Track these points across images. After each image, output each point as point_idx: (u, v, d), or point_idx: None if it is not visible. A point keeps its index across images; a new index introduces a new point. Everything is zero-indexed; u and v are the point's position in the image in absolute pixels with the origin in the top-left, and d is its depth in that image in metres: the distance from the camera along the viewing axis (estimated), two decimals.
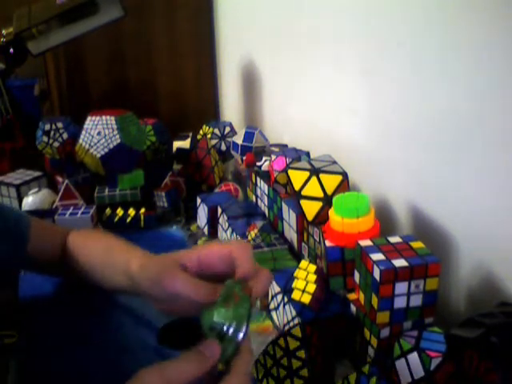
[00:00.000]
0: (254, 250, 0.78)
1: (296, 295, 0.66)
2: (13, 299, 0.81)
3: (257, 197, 0.98)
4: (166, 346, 0.66)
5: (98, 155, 1.01)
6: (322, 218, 0.74)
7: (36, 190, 1.05)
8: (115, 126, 1.01)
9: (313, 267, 0.70)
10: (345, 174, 0.76)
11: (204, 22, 1.67)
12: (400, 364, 0.54)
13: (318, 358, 0.57)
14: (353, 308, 0.63)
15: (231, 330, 0.44)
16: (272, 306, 0.72)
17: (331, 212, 0.69)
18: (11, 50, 1.20)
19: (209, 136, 1.26)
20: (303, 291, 0.66)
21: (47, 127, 1.12)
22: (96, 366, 0.65)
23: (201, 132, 1.29)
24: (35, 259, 0.74)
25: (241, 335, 0.44)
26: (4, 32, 1.20)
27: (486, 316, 0.52)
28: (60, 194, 1.02)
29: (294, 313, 0.65)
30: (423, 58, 0.74)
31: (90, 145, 1.01)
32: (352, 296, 0.65)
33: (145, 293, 0.56)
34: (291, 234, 0.82)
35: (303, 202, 0.75)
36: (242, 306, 0.45)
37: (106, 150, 1.01)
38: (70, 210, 0.97)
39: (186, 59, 1.67)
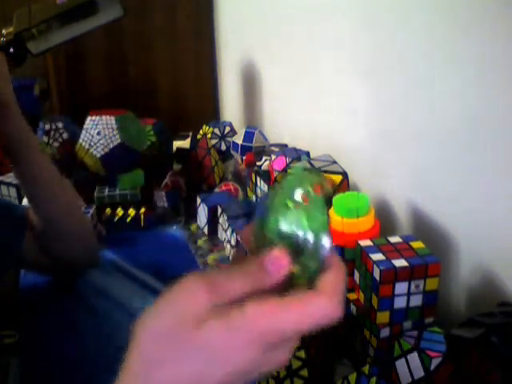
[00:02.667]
0: None
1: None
2: (13, 290, 0.81)
3: (257, 197, 0.98)
4: None
5: (98, 155, 1.01)
6: None
7: None
8: (115, 126, 1.01)
9: None
10: (345, 174, 0.76)
11: (204, 21, 1.67)
12: (400, 364, 0.54)
13: (318, 358, 0.57)
14: (353, 308, 0.63)
15: (311, 241, 0.33)
16: None
17: (331, 212, 0.69)
18: (11, 50, 1.20)
19: (209, 136, 1.26)
20: None
21: (47, 127, 1.12)
22: (96, 365, 0.65)
23: (201, 132, 1.29)
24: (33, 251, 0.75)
25: (326, 246, 0.33)
26: (4, 32, 1.19)
27: (486, 316, 0.52)
28: None
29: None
30: (423, 57, 0.74)
31: (90, 145, 1.01)
32: (352, 296, 0.65)
33: None
34: None
35: None
36: (317, 210, 0.33)
37: (106, 150, 1.01)
38: None
39: (186, 59, 1.67)
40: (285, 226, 0.33)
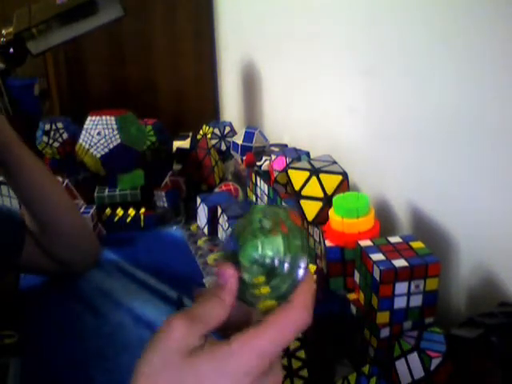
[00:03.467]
0: None
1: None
2: (13, 290, 0.81)
3: (257, 197, 0.98)
4: None
5: (98, 155, 1.01)
6: (322, 218, 0.74)
7: None
8: (115, 126, 1.01)
9: (313, 267, 0.70)
10: (345, 174, 0.76)
11: (204, 21, 1.67)
12: (400, 364, 0.54)
13: (318, 358, 0.57)
14: (353, 308, 0.63)
15: (286, 266, 0.35)
16: None
17: (331, 212, 0.69)
18: (11, 50, 1.20)
19: (209, 136, 1.26)
20: None
21: (47, 127, 1.12)
22: (96, 365, 0.65)
23: (201, 132, 1.29)
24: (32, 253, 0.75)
25: (301, 272, 0.34)
26: (4, 32, 1.19)
27: (486, 316, 0.52)
28: None
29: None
30: (423, 58, 0.74)
31: (90, 145, 1.01)
32: (352, 296, 0.65)
33: None
34: None
35: (303, 202, 0.75)
36: (295, 237, 0.35)
37: (106, 150, 1.01)
38: None
39: (186, 59, 1.67)
40: (259, 251, 0.35)
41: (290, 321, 0.34)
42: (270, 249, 0.35)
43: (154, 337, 0.34)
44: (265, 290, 0.35)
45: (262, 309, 0.35)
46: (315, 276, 0.68)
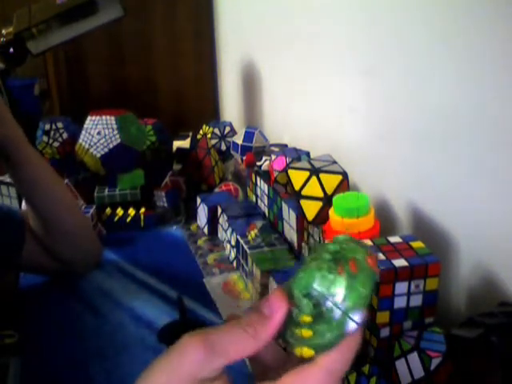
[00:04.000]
0: (254, 250, 0.79)
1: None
2: (13, 290, 0.81)
3: (257, 197, 0.98)
4: (166, 346, 0.67)
5: (98, 155, 1.01)
6: (322, 218, 0.74)
7: None
8: (115, 126, 1.01)
9: None
10: (345, 174, 0.76)
11: (204, 21, 1.67)
12: (400, 364, 0.54)
13: None
14: None
15: (338, 313, 0.29)
16: None
17: (331, 212, 0.69)
18: (11, 50, 1.20)
19: (209, 136, 1.26)
20: None
21: (47, 127, 1.12)
22: (96, 365, 0.65)
23: (201, 132, 1.29)
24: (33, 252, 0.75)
25: (352, 326, 0.29)
26: (4, 32, 1.19)
27: (486, 316, 0.52)
28: None
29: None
30: (423, 58, 0.74)
31: (89, 145, 1.01)
32: None
33: None
34: (291, 233, 0.82)
35: (303, 202, 0.75)
36: (361, 283, 0.29)
37: (106, 149, 1.01)
38: None
39: (185, 59, 1.67)
40: (314, 285, 0.30)
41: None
42: (327, 287, 0.30)
43: (165, 354, 0.31)
44: (307, 333, 0.30)
45: (298, 355, 0.31)
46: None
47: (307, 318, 0.30)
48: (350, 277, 0.29)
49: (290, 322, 0.31)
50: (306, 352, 0.30)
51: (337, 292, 0.29)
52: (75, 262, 0.81)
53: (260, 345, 0.31)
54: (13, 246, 0.74)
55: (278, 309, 0.31)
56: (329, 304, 0.30)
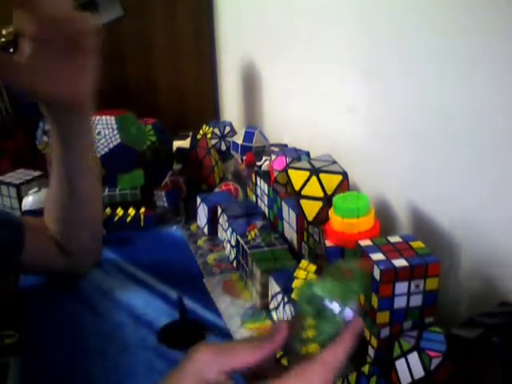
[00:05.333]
0: (254, 250, 0.79)
1: (296, 295, 0.66)
2: (13, 290, 0.81)
3: (257, 196, 0.98)
4: (166, 346, 0.67)
5: (98, 155, 1.01)
6: (322, 218, 0.74)
7: (36, 189, 1.05)
8: (115, 126, 1.01)
9: (313, 267, 0.70)
10: (345, 174, 0.76)
11: (204, 21, 1.67)
12: (400, 364, 0.54)
13: None
14: None
15: (334, 308, 0.36)
16: (272, 305, 0.72)
17: (331, 212, 0.69)
18: (11, 50, 1.20)
19: (209, 136, 1.26)
20: None
21: (47, 127, 1.12)
22: (96, 365, 0.65)
23: (201, 132, 1.29)
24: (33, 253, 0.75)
25: (344, 314, 0.36)
26: (4, 32, 1.19)
27: (486, 316, 0.52)
28: None
29: (294, 313, 0.65)
30: (423, 58, 0.74)
31: None
32: None
33: None
34: (291, 233, 0.82)
35: (303, 202, 0.75)
36: (354, 281, 0.37)
37: (106, 149, 1.01)
38: None
39: (185, 59, 1.67)
40: (315, 292, 0.37)
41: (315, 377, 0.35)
42: (324, 289, 0.37)
43: (181, 362, 0.35)
44: (312, 333, 0.37)
45: (303, 354, 0.37)
46: (315, 276, 0.68)
47: (311, 322, 0.37)
48: (345, 280, 0.37)
49: (296, 332, 0.37)
50: (312, 348, 0.36)
51: (332, 292, 0.36)
52: (84, 252, 0.80)
53: (263, 354, 0.36)
54: (12, 249, 0.74)
55: (281, 324, 0.37)
56: (326, 303, 0.36)
